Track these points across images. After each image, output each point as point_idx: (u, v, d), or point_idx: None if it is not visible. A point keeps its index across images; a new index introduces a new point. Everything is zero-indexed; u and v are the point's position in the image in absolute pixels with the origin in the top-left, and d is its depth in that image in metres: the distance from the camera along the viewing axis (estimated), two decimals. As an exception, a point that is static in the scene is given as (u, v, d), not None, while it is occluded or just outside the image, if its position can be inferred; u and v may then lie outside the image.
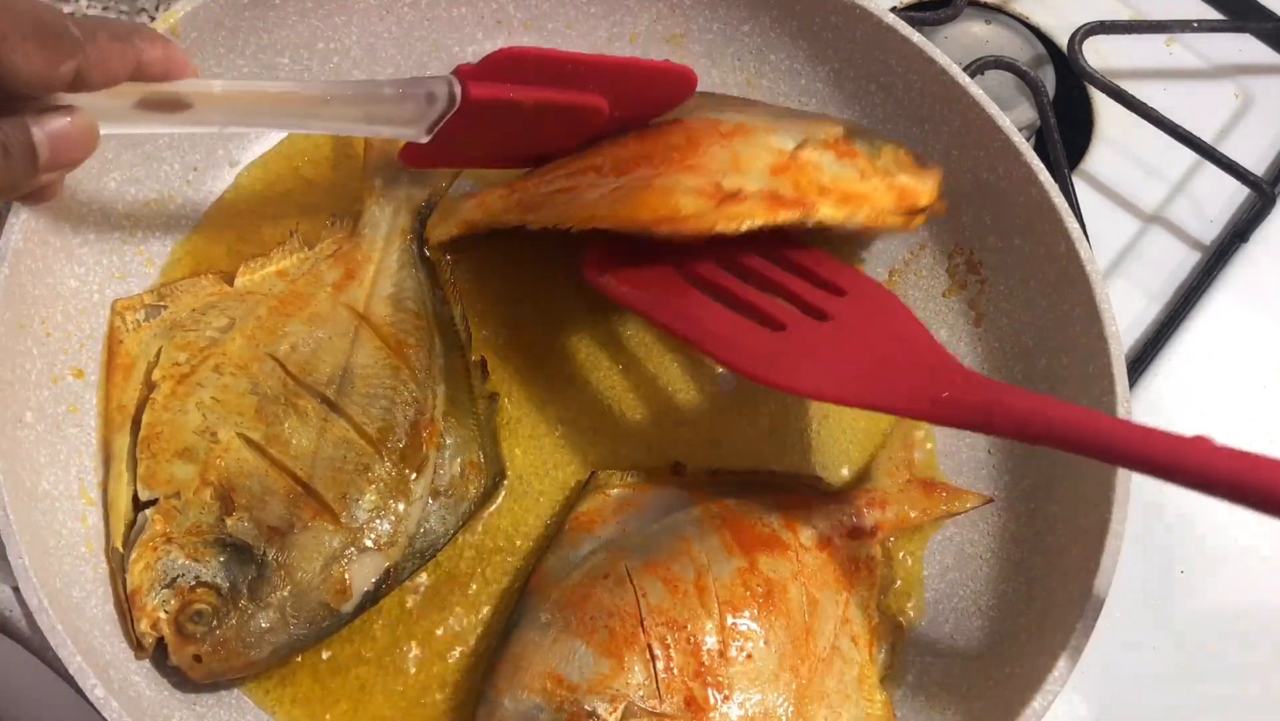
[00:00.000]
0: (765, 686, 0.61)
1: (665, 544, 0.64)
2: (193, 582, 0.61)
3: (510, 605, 0.66)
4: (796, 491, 0.70)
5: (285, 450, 0.64)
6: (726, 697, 0.60)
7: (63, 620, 0.56)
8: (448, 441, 0.68)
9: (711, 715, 0.59)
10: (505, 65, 0.62)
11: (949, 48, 0.92)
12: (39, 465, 0.63)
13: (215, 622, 0.60)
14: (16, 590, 0.58)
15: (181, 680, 0.62)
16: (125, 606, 0.61)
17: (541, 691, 0.59)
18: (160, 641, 0.61)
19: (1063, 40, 0.93)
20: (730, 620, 0.61)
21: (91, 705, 0.55)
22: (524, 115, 0.65)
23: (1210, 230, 0.91)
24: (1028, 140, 0.79)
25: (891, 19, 0.77)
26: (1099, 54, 0.93)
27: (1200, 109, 0.95)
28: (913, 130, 0.80)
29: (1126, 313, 0.85)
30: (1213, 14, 0.98)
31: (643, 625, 0.60)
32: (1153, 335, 0.85)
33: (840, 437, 0.75)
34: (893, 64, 0.79)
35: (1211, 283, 0.87)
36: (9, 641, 0.66)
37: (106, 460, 0.66)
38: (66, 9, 0.87)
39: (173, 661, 0.60)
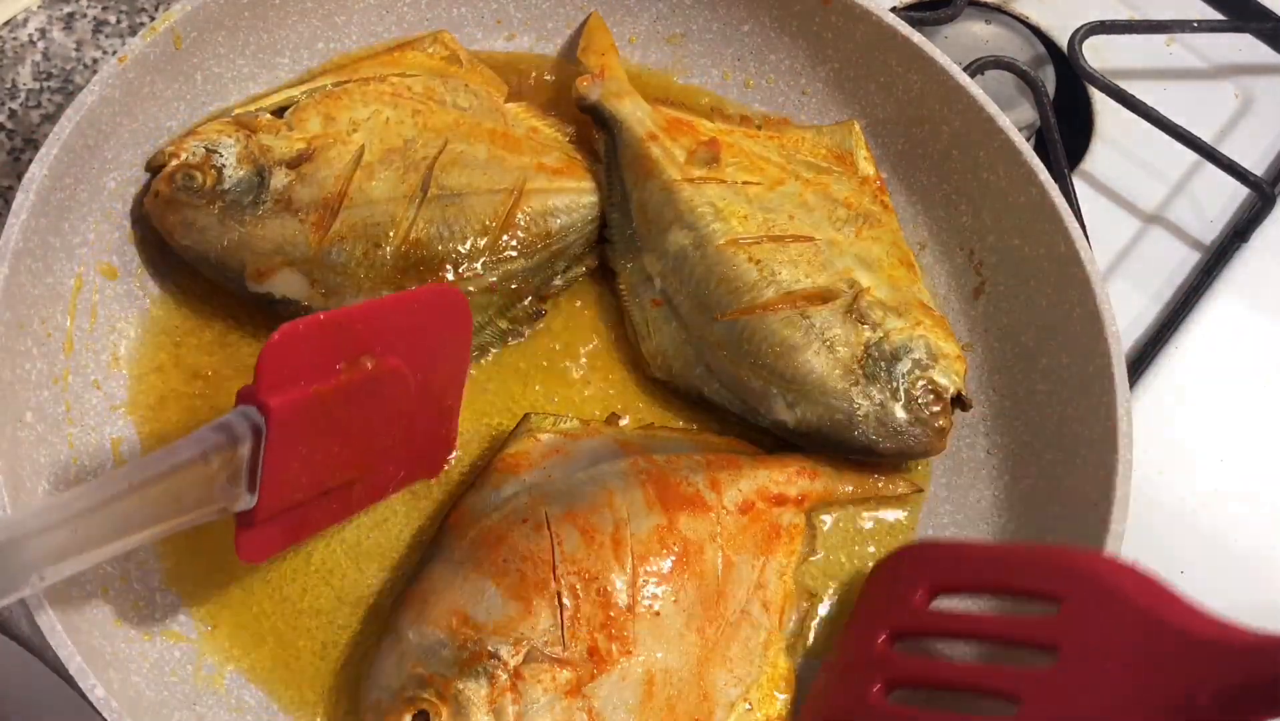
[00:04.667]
0: (669, 644, 0.61)
1: (588, 493, 0.64)
2: (218, 163, 0.70)
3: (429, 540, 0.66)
4: (728, 452, 0.70)
5: (365, 181, 0.71)
6: (628, 651, 0.60)
7: (62, 620, 0.56)
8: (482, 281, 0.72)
9: (612, 667, 0.59)
10: (281, 362, 0.55)
11: (949, 48, 0.92)
12: (39, 465, 0.63)
13: (191, 192, 0.69)
14: (16, 590, 0.58)
15: (183, 679, 0.63)
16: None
17: (447, 628, 0.59)
18: (157, 173, 0.70)
19: (1063, 40, 0.93)
20: (642, 575, 0.61)
21: (91, 705, 0.55)
22: (335, 412, 0.57)
23: (1210, 230, 0.91)
24: (1028, 140, 0.79)
25: (891, 19, 0.77)
26: (1099, 54, 0.93)
27: (1200, 109, 0.95)
28: (913, 130, 0.80)
29: (1126, 313, 0.85)
30: (1213, 14, 0.98)
31: (554, 572, 0.60)
32: (1153, 335, 0.85)
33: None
34: (893, 64, 0.79)
35: (1211, 283, 0.87)
36: (9, 641, 0.66)
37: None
38: (66, 9, 0.87)
39: (152, 186, 0.70)
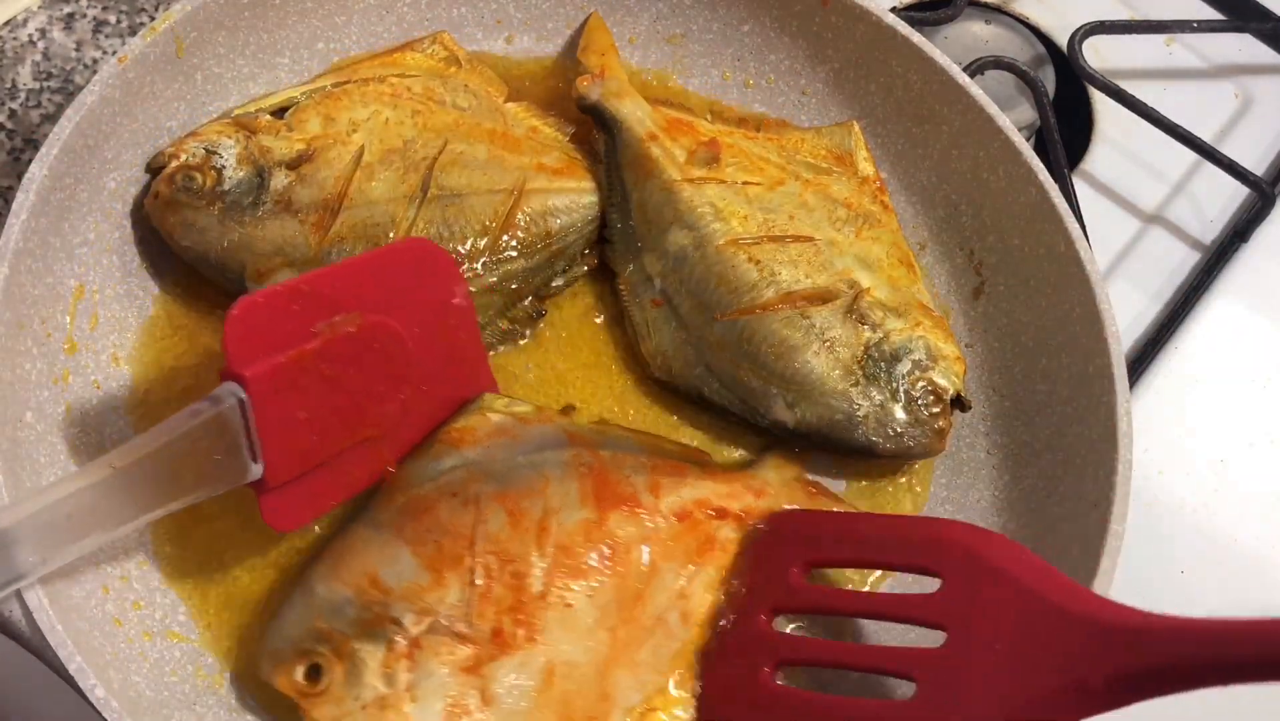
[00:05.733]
0: (577, 638, 0.61)
1: (524, 477, 0.63)
2: (218, 164, 0.70)
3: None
4: (677, 460, 0.69)
5: (365, 181, 0.71)
6: (533, 639, 0.59)
7: (62, 620, 0.56)
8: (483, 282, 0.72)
9: (514, 651, 0.59)
10: (247, 333, 0.56)
11: (949, 48, 0.92)
12: (39, 465, 0.63)
13: (191, 193, 0.69)
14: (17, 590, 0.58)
15: (183, 679, 0.63)
16: None
17: (355, 587, 0.59)
18: (156, 174, 0.70)
19: (1063, 40, 0.93)
20: (561, 566, 0.61)
21: (91, 705, 0.55)
22: (323, 373, 0.58)
23: (1210, 230, 0.91)
24: (1028, 140, 0.79)
25: (891, 19, 0.77)
26: (1099, 54, 0.93)
27: (1200, 109, 0.95)
28: (913, 130, 0.80)
29: (1126, 313, 0.85)
30: (1213, 14, 0.98)
31: (472, 549, 0.60)
32: (1153, 335, 0.85)
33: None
34: (893, 64, 0.79)
35: (1211, 283, 0.88)
36: (9, 641, 0.65)
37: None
38: (66, 9, 0.87)
39: (152, 187, 0.70)
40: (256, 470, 0.57)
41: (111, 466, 0.54)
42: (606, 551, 0.62)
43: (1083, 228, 0.73)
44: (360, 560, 0.61)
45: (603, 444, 0.67)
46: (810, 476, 0.73)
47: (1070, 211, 0.73)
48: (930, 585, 0.59)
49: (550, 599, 0.60)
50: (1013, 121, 0.75)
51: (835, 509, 0.70)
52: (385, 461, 0.64)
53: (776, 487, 0.70)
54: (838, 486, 0.73)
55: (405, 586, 0.59)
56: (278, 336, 0.57)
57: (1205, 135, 0.90)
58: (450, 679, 0.58)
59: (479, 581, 0.59)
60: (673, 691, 0.63)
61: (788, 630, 0.66)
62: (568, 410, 0.71)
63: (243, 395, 0.55)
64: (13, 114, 0.83)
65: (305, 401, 0.58)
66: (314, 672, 0.58)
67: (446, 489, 0.63)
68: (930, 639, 0.57)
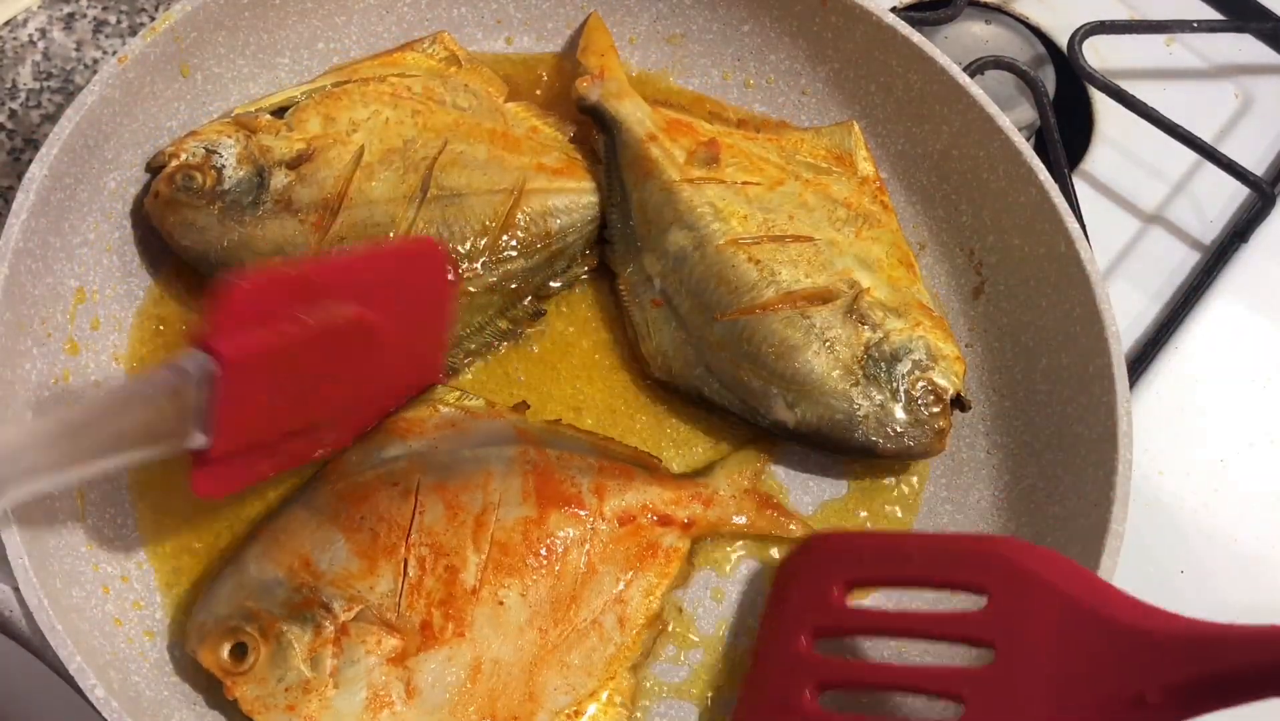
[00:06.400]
0: (506, 636, 0.61)
1: (466, 471, 0.63)
2: (218, 163, 0.70)
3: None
4: (626, 464, 0.69)
5: (365, 181, 0.71)
6: (461, 634, 0.60)
7: (63, 620, 0.56)
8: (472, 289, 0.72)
9: (441, 645, 0.59)
10: (235, 308, 0.55)
11: (949, 48, 0.92)
12: (39, 465, 0.63)
13: (191, 193, 0.69)
14: (17, 590, 0.58)
15: (183, 679, 0.63)
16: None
17: (287, 569, 0.60)
18: (156, 173, 0.71)
19: (1063, 40, 0.93)
20: (495, 562, 0.61)
21: (91, 705, 0.55)
22: (296, 360, 0.58)
23: (1210, 230, 0.91)
24: (1028, 140, 0.79)
25: (891, 19, 0.77)
26: (1099, 54, 0.93)
27: (1200, 109, 0.95)
28: (913, 130, 0.80)
29: (1126, 313, 0.85)
30: (1213, 14, 0.98)
31: (407, 539, 0.60)
32: (1153, 335, 0.85)
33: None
34: (893, 64, 0.79)
35: (1211, 283, 0.87)
36: (9, 641, 0.65)
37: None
38: (66, 9, 0.87)
39: (152, 186, 0.70)
40: (201, 440, 0.55)
41: (57, 417, 0.53)
42: (544, 551, 0.62)
43: (1083, 228, 0.73)
44: (294, 541, 0.61)
45: (551, 442, 0.67)
46: (806, 476, 0.73)
47: (1070, 211, 0.73)
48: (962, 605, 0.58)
49: (483, 595, 0.60)
50: (1013, 121, 0.75)
51: (792, 525, 0.70)
52: (325, 445, 0.64)
53: (725, 498, 0.70)
54: (838, 486, 0.73)
55: (337, 571, 0.59)
56: (261, 317, 0.56)
57: (1205, 135, 0.90)
58: (376, 668, 0.59)
59: (411, 572, 0.60)
60: (603, 697, 0.63)
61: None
62: (520, 407, 0.70)
63: (213, 369, 0.54)
64: (13, 114, 0.83)
65: (271, 385, 0.58)
66: (239, 650, 0.59)
67: (387, 478, 0.63)
68: (972, 660, 0.57)
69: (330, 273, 0.61)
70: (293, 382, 0.59)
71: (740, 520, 0.70)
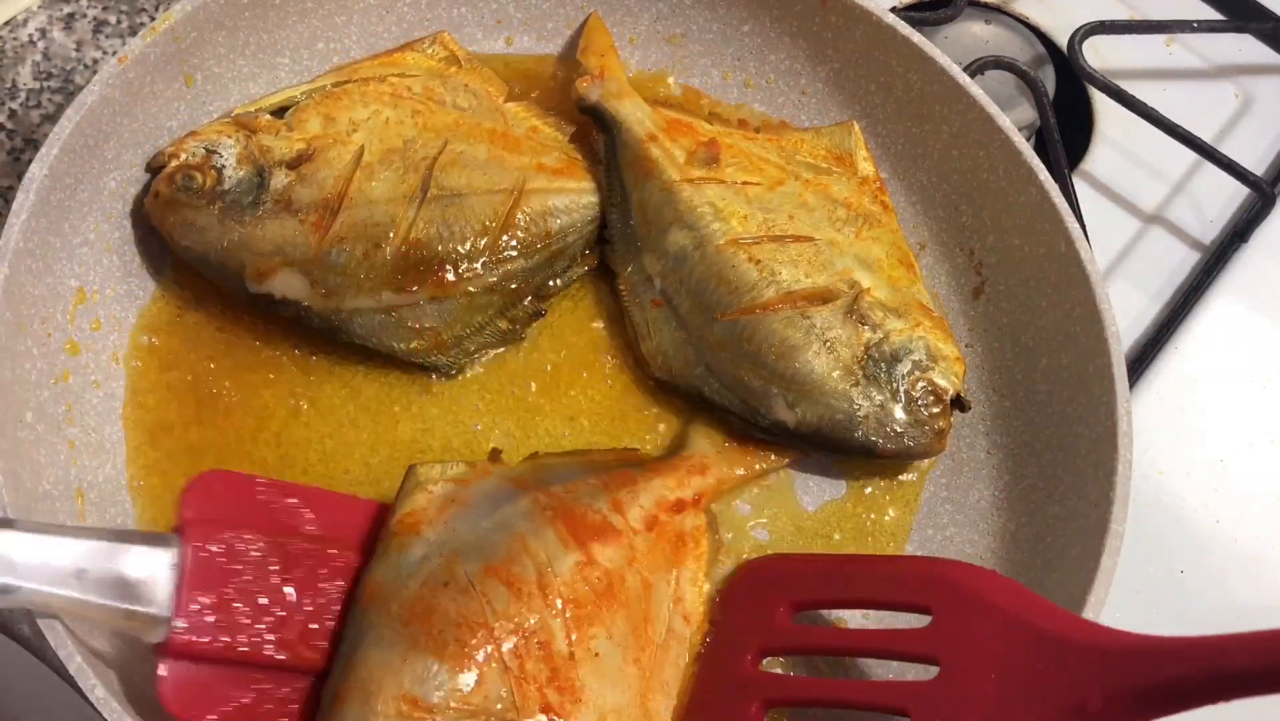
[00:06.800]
0: (613, 683, 0.60)
1: (501, 542, 0.61)
2: (218, 163, 0.70)
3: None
4: (618, 468, 0.69)
5: (365, 181, 0.71)
6: (578, 700, 0.58)
7: (63, 620, 0.56)
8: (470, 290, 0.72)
9: (566, 720, 0.57)
10: (217, 497, 0.58)
11: (949, 48, 0.92)
12: (39, 465, 0.63)
13: (191, 193, 0.69)
14: (16, 590, 0.58)
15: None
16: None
17: (397, 715, 0.55)
18: (156, 173, 0.71)
19: (1063, 40, 0.93)
20: (575, 618, 0.60)
21: (91, 705, 0.55)
22: (265, 570, 0.58)
23: (1210, 230, 0.91)
24: (1028, 140, 0.79)
25: (891, 19, 0.77)
26: (1099, 54, 0.93)
27: (1200, 109, 0.95)
28: (913, 130, 0.80)
29: (1126, 313, 0.85)
30: (1213, 14, 0.98)
31: (493, 634, 0.57)
32: (1153, 335, 0.85)
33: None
34: (893, 64, 0.79)
35: (1211, 283, 0.88)
36: (9, 641, 0.66)
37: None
38: (66, 9, 0.87)
39: (152, 187, 0.70)
40: (161, 631, 0.55)
41: (30, 529, 0.53)
42: (605, 586, 0.62)
43: (1083, 228, 0.73)
44: (389, 686, 0.56)
45: (548, 480, 0.66)
46: (806, 476, 0.73)
47: (1070, 211, 0.73)
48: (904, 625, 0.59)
49: (578, 655, 0.59)
50: (1013, 121, 0.75)
51: (772, 456, 0.72)
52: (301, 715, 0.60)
53: (715, 459, 0.71)
54: (837, 487, 0.73)
55: (447, 696, 0.56)
56: (237, 518, 0.59)
57: (1205, 135, 0.90)
58: None
59: (511, 664, 0.57)
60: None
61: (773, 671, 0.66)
62: (495, 455, 0.69)
63: (178, 549, 0.56)
64: (13, 114, 0.83)
65: (237, 585, 0.57)
66: None
67: (434, 580, 0.59)
68: (919, 676, 0.57)
69: (303, 497, 0.62)
70: (263, 593, 0.58)
71: (739, 471, 0.71)
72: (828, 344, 0.70)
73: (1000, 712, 0.53)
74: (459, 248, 0.71)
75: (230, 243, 0.70)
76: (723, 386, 0.72)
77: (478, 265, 0.72)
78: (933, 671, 0.57)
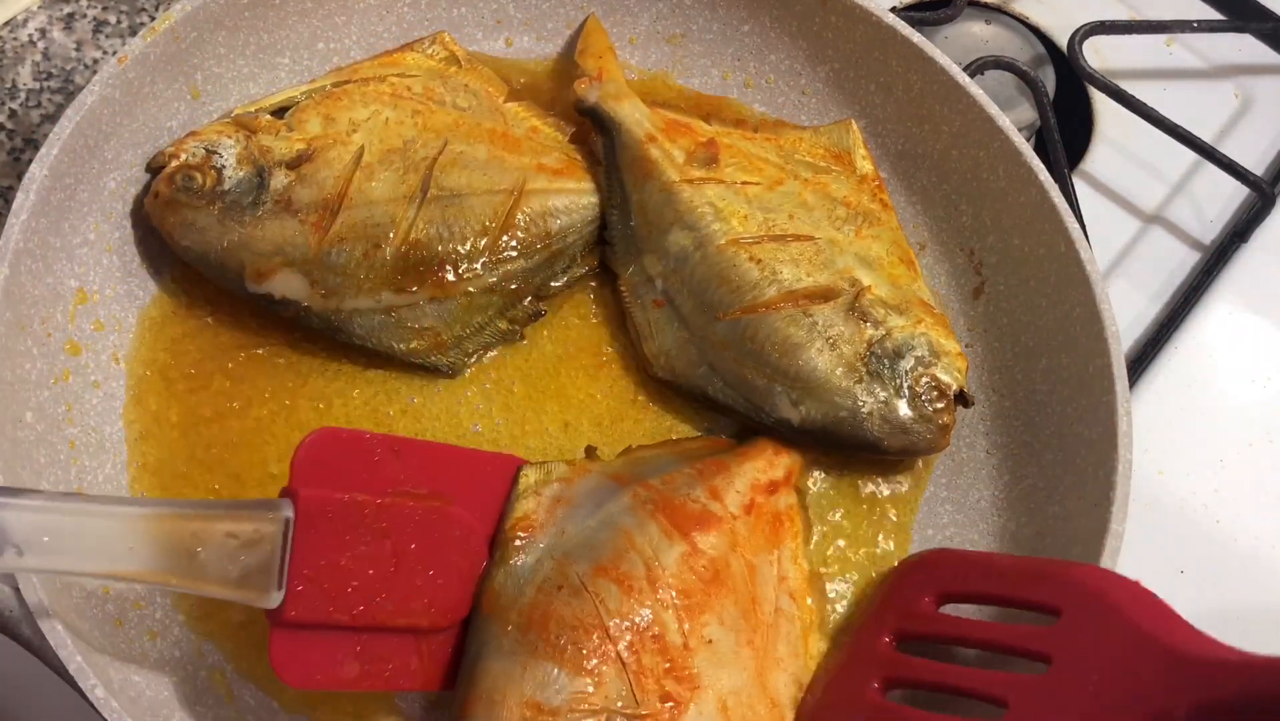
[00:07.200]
0: (729, 667, 0.61)
1: (608, 540, 0.63)
2: (218, 164, 0.70)
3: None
4: (709, 455, 0.70)
5: (365, 181, 0.71)
6: (696, 687, 0.60)
7: (63, 620, 0.56)
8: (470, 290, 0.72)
9: (687, 708, 0.59)
10: (328, 458, 0.57)
11: (949, 48, 0.92)
12: (39, 465, 0.63)
13: (191, 193, 0.69)
14: (17, 590, 0.58)
15: (183, 679, 0.63)
16: None
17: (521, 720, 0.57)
18: (156, 174, 0.71)
19: (1063, 40, 0.93)
20: (686, 608, 0.61)
21: (91, 705, 0.55)
22: (376, 533, 0.57)
23: (1210, 230, 0.91)
24: (1028, 140, 0.79)
25: (891, 19, 0.77)
26: (1099, 54, 0.93)
27: (1200, 109, 0.95)
28: (913, 130, 0.80)
29: (1126, 313, 0.85)
30: (1213, 14, 0.98)
31: (608, 633, 0.59)
32: (1153, 335, 0.85)
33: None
34: (893, 64, 0.79)
35: (1211, 283, 0.88)
36: (9, 641, 0.66)
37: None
38: (66, 9, 0.87)
39: (152, 187, 0.70)
40: (276, 597, 0.54)
41: (140, 509, 0.53)
42: (712, 574, 0.63)
43: (1083, 228, 0.73)
44: (512, 695, 0.58)
45: (645, 472, 0.67)
46: (811, 477, 0.73)
47: (1070, 211, 0.73)
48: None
49: (692, 644, 0.60)
50: (1013, 121, 0.75)
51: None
52: (410, 678, 0.60)
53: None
54: (838, 486, 0.73)
55: (569, 699, 0.57)
56: (348, 478, 0.57)
57: (1205, 135, 0.90)
58: None
59: (628, 660, 0.59)
60: (814, 667, 0.66)
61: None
62: (590, 453, 0.71)
63: (290, 513, 0.55)
64: (13, 114, 0.83)
65: (350, 548, 0.56)
66: None
67: (549, 586, 0.61)
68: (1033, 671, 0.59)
69: (419, 453, 0.62)
70: (374, 555, 0.57)
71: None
72: (830, 341, 0.70)
73: (1092, 713, 0.55)
74: (459, 248, 0.71)
75: (230, 243, 0.70)
76: (726, 385, 0.72)
77: (477, 265, 0.72)
78: (1042, 667, 0.58)
